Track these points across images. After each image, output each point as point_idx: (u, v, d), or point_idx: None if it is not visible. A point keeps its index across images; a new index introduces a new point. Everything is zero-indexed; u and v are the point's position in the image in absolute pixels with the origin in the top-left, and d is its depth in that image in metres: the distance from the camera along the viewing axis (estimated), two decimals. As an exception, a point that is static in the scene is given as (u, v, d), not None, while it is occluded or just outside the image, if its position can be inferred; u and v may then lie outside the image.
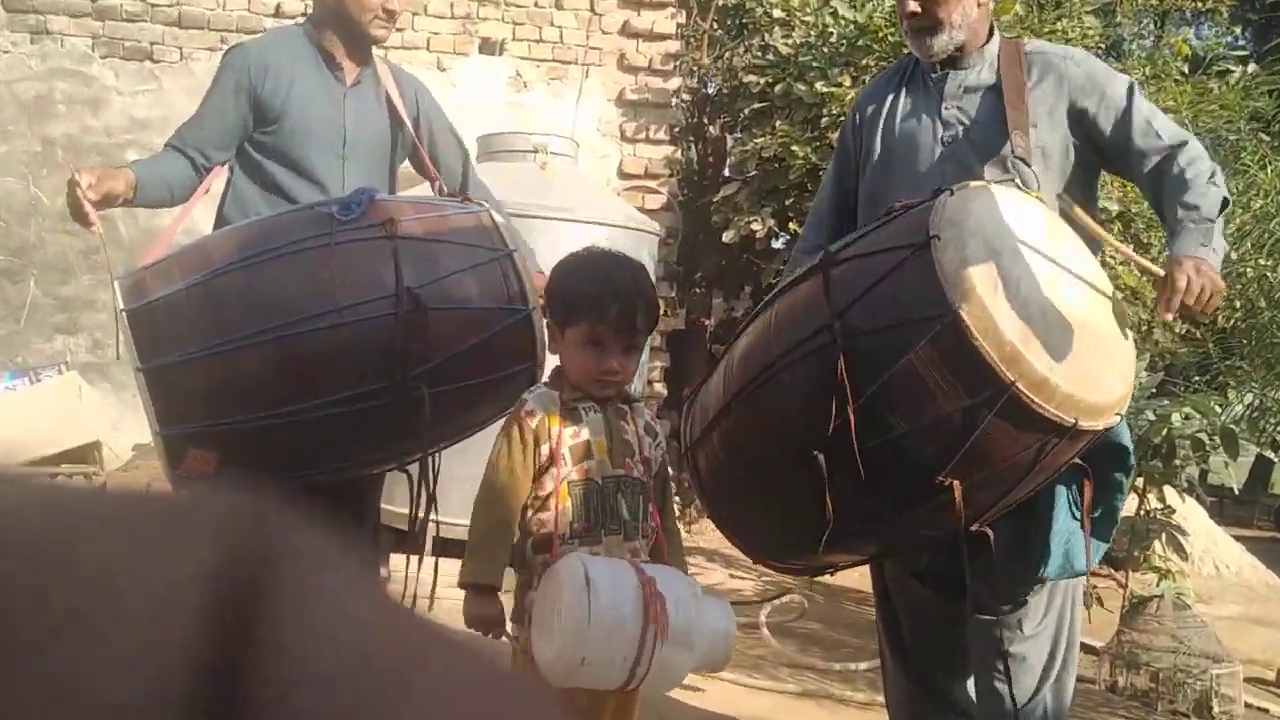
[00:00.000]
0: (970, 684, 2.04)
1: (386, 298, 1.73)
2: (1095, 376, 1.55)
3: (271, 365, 1.69)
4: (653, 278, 4.42)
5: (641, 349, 1.65)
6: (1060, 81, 1.87)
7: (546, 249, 2.95)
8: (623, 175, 5.34)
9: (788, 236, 5.63)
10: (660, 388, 6.74)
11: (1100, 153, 1.89)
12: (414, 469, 1.98)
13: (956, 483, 1.53)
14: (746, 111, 5.36)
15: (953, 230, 1.53)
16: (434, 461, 1.88)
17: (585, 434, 1.61)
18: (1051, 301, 1.56)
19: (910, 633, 2.07)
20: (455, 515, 3.86)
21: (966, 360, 1.48)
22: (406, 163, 2.35)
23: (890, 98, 2.02)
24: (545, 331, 1.84)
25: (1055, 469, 1.61)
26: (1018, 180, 1.76)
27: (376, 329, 1.73)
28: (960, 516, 1.54)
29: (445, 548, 3.63)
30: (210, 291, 1.71)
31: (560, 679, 1.46)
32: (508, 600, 1.60)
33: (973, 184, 1.66)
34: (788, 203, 4.81)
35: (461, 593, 1.58)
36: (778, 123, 4.86)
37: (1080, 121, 1.87)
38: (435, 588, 1.88)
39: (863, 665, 3.39)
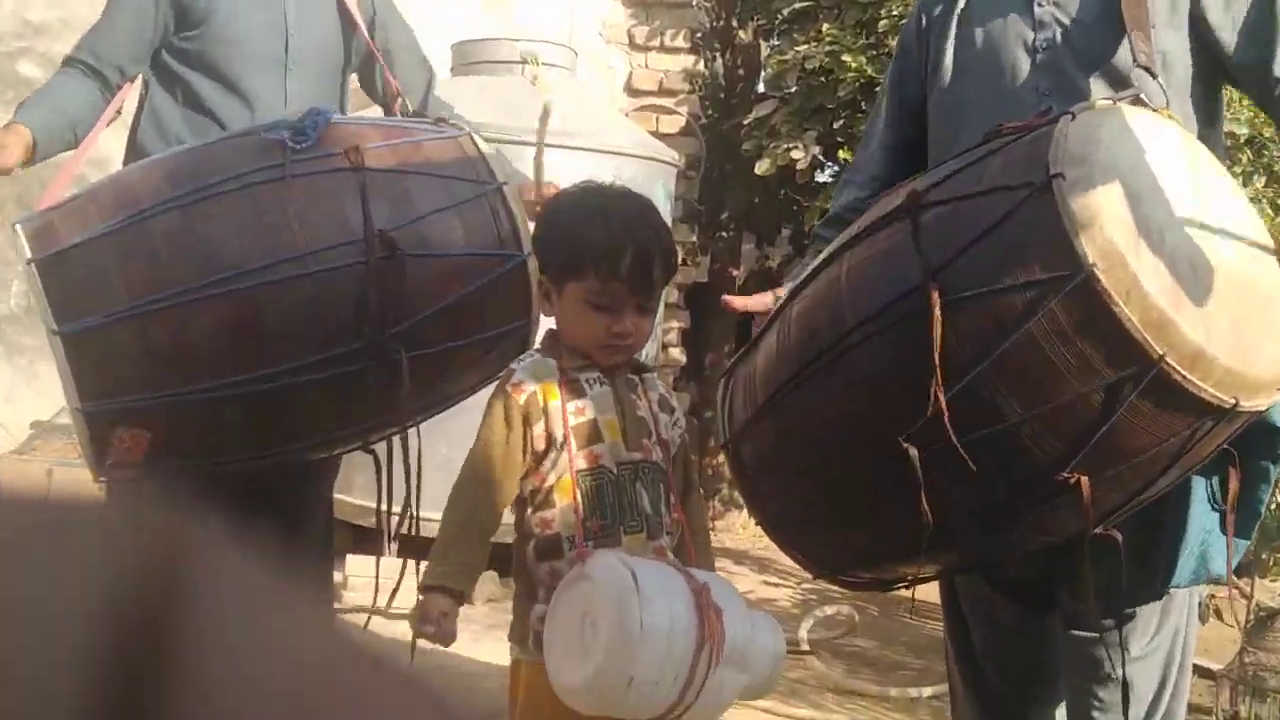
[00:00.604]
0: (1059, 716, 2.06)
1: (353, 243, 1.76)
2: (1256, 345, 1.50)
3: (216, 326, 1.72)
4: (669, 219, 4.46)
5: (657, 307, 1.68)
6: None
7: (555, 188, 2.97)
8: (632, 92, 5.35)
9: (835, 167, 5.64)
10: (677, 353, 6.79)
11: (1223, 68, 1.84)
12: (381, 450, 2.02)
13: (1085, 479, 1.50)
14: (785, 12, 5.34)
15: (1080, 166, 1.46)
16: (410, 441, 1.91)
17: (591, 411, 1.63)
18: (1204, 254, 1.50)
19: (986, 653, 2.09)
20: (431, 509, 3.94)
21: (1102, 330, 1.43)
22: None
23: None
24: (537, 282, 1.87)
25: (1201, 459, 1.58)
26: (1143, 96, 1.66)
27: (343, 281, 1.76)
28: (1088, 519, 1.52)
29: (421, 548, 3.70)
30: (140, 237, 1.73)
31: (598, 705, 1.48)
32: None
33: (1098, 103, 1.60)
34: (836, 125, 4.82)
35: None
36: (824, 25, 4.84)
37: (1201, 25, 1.81)
38: (394, 594, 1.91)
39: (927, 691, 3.46)
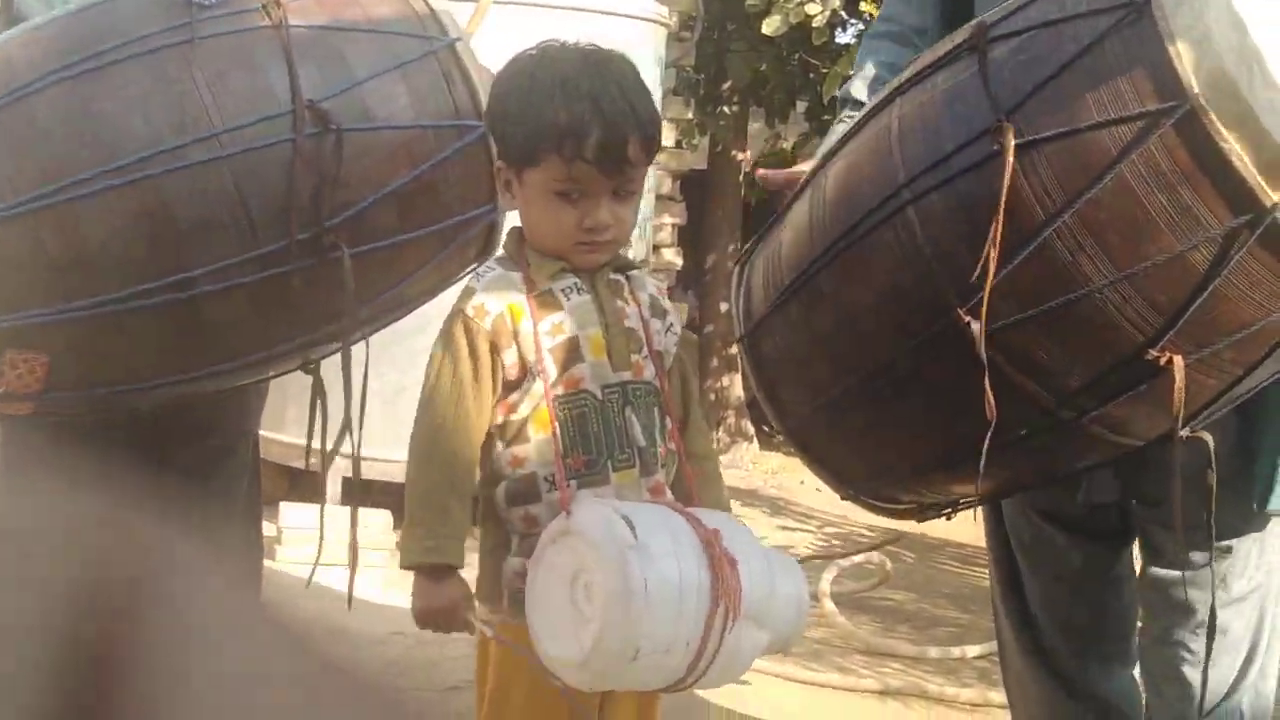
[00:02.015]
0: (1133, 674, 2.10)
1: (280, 116, 1.76)
2: None
3: (118, 224, 1.72)
4: (658, 91, 4.43)
5: (639, 191, 1.68)
6: None
7: (489, 49, 2.95)
8: (609, -67, 5.28)
9: (859, 25, 5.61)
10: (672, 255, 6.79)
11: None
12: (326, 376, 2.04)
13: (1179, 359, 1.51)
14: None
15: None
16: (354, 365, 1.92)
17: (570, 326, 1.64)
18: None
19: (1043, 605, 2.12)
20: (377, 446, 3.99)
21: (1209, 171, 1.44)
22: None
23: None
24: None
25: None
26: None
27: (268, 164, 1.76)
28: (1179, 411, 1.52)
29: (365, 493, 3.76)
30: (21, 119, 1.72)
31: (599, 680, 1.51)
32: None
33: None
34: (862, -29, 4.79)
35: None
36: None
37: None
38: (356, 554, 1.93)
39: (972, 651, 3.55)
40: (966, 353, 1.53)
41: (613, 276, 1.72)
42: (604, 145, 1.60)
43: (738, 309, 1.87)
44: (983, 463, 1.58)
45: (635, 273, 1.76)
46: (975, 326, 1.52)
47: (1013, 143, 1.47)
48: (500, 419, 1.65)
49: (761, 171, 2.03)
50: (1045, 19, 1.55)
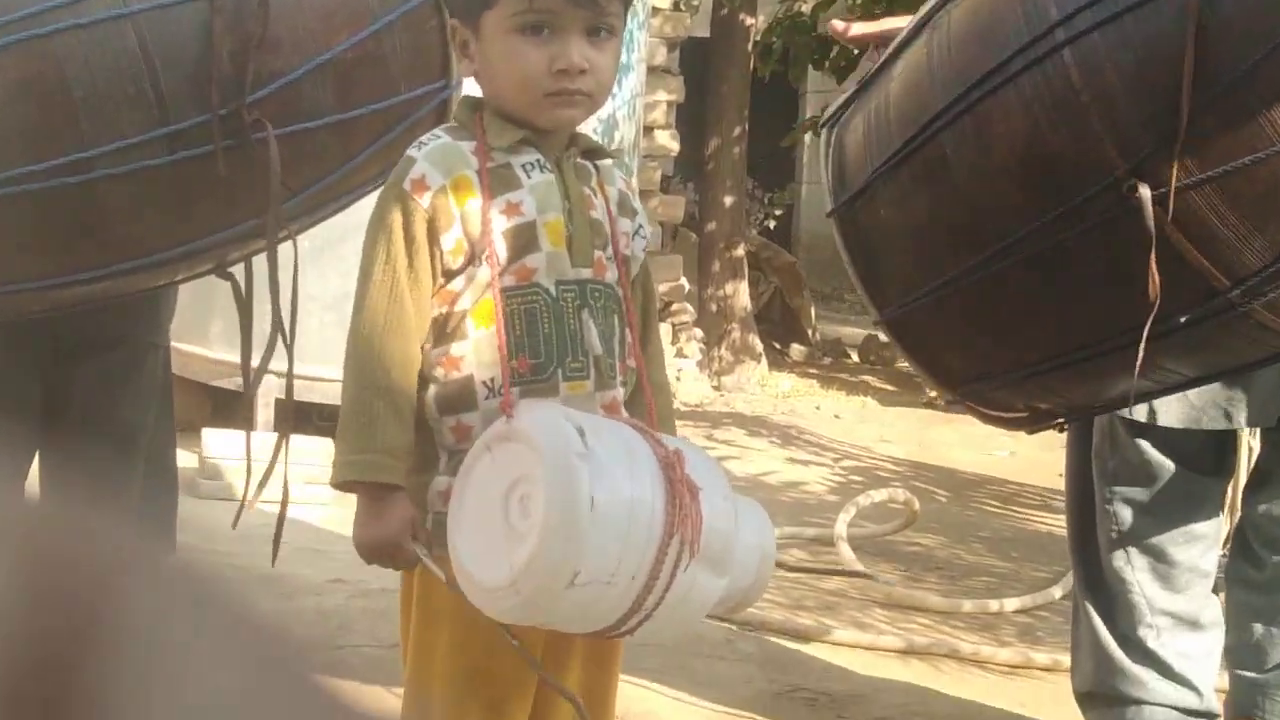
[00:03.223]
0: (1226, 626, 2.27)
1: (191, -34, 1.76)
2: None
3: (7, 92, 1.72)
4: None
5: (618, 34, 1.69)
6: None
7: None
8: None
9: None
10: (667, 139, 6.78)
11: None
12: (242, 274, 2.04)
13: None
14: None
15: None
16: (284, 266, 1.92)
17: (528, 208, 1.65)
18: None
19: (1130, 537, 2.25)
20: (318, 362, 4.01)
21: None
22: None
23: None
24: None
25: None
26: None
27: (180, 24, 1.76)
28: None
29: (300, 419, 3.78)
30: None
31: (526, 610, 1.52)
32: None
33: None
34: None
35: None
36: None
37: None
38: (286, 500, 1.94)
39: (1012, 604, 3.60)
40: (1122, 223, 1.54)
41: (580, 161, 1.73)
42: None
43: (827, 178, 1.87)
44: (1141, 354, 1.58)
45: (605, 162, 1.78)
46: (1145, 191, 1.52)
47: None
48: (436, 311, 1.66)
49: (838, 24, 2.00)
50: None
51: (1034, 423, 1.92)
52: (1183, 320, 1.61)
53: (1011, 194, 1.64)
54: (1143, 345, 1.57)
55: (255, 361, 2.03)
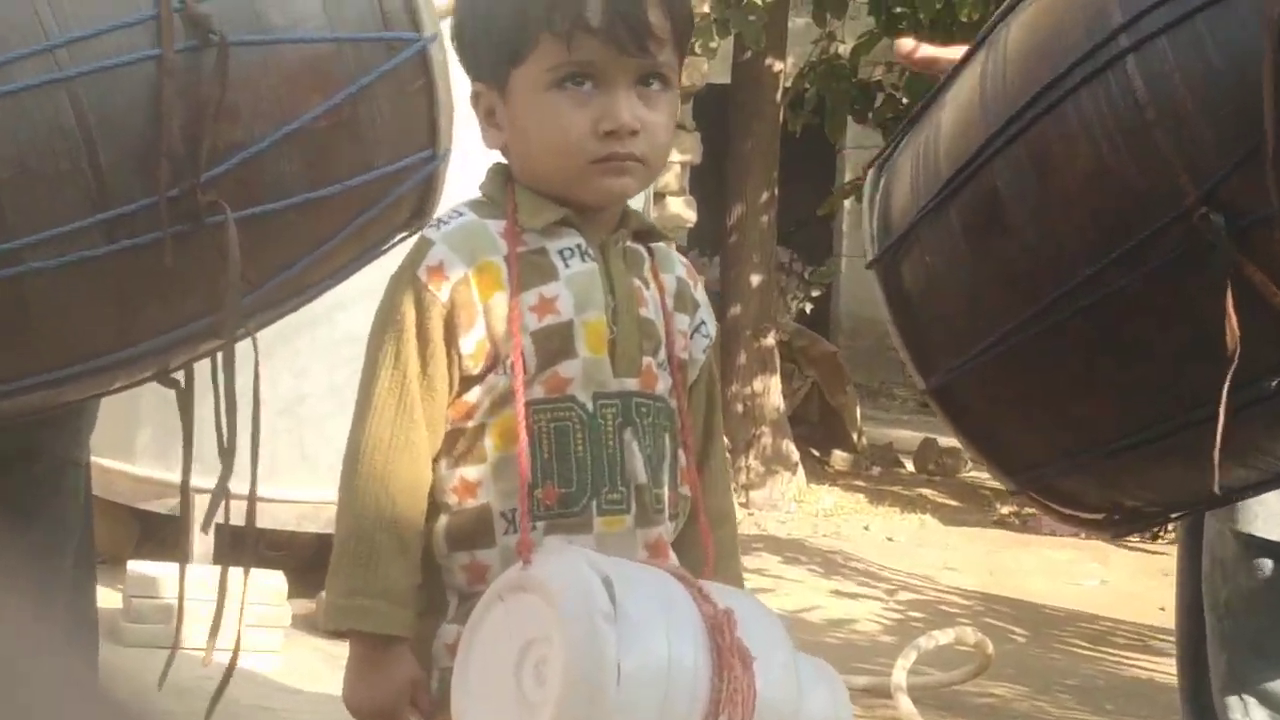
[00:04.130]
0: None
1: (140, 23, 1.78)
2: None
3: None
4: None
5: (673, 89, 1.70)
6: None
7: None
8: None
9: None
10: (681, 206, 6.83)
11: None
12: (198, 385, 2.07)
13: None
14: None
15: None
16: (237, 366, 1.95)
17: (565, 304, 1.66)
18: None
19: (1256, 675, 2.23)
20: (273, 482, 4.02)
21: None
22: None
23: None
24: (450, 85, 1.89)
25: None
26: None
27: (125, 90, 1.78)
28: None
29: (247, 548, 3.77)
30: None
31: None
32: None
33: None
34: None
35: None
36: None
37: None
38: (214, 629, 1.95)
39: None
40: (1202, 263, 1.55)
41: (631, 245, 1.74)
42: (612, 6, 1.62)
43: (871, 225, 1.89)
44: (1222, 421, 1.56)
45: (661, 246, 1.79)
46: (1219, 222, 1.52)
47: None
48: (450, 425, 1.67)
49: (906, 43, 2.02)
50: None
51: (1118, 525, 1.90)
52: (1275, 385, 1.61)
53: (1070, 231, 1.66)
54: (1222, 411, 1.56)
55: (200, 480, 2.05)
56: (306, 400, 4.10)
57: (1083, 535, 5.56)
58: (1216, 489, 1.62)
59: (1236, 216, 1.53)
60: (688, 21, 1.71)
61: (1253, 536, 2.13)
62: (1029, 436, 1.84)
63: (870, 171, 1.93)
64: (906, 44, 2.02)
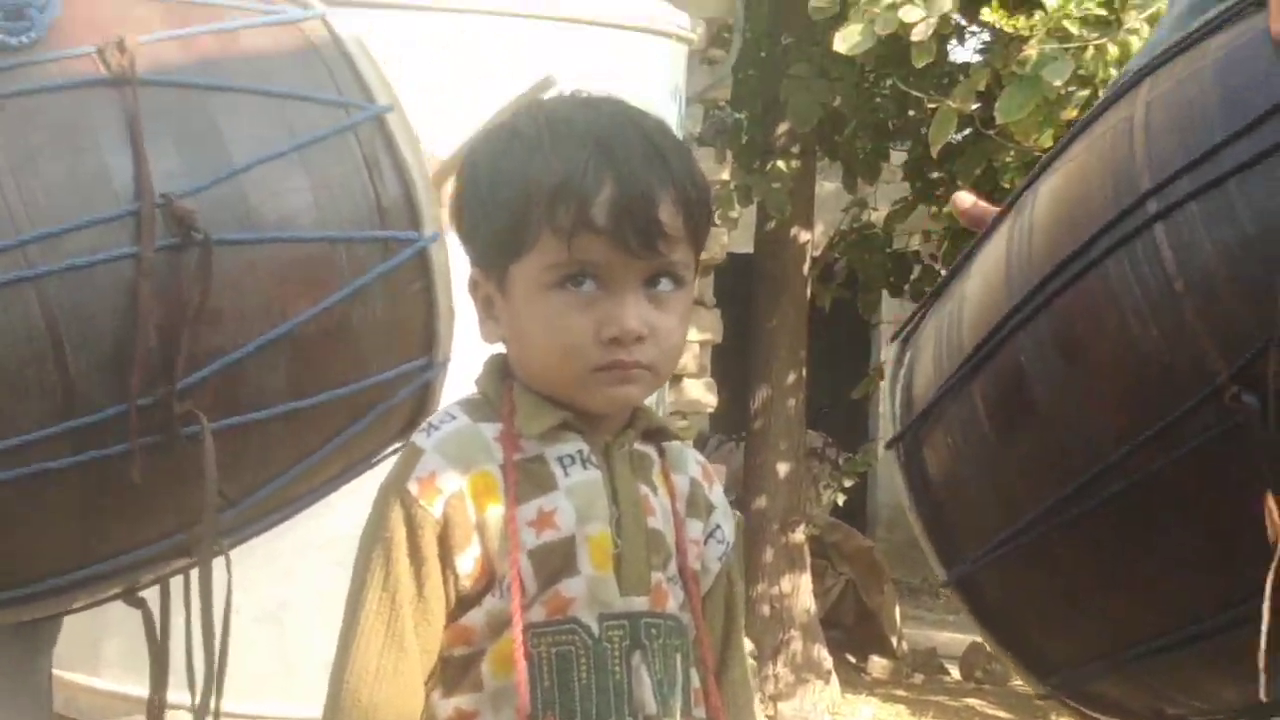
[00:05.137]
0: None
1: (119, 219, 1.83)
2: None
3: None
4: (679, 132, 4.49)
5: (687, 288, 1.71)
6: None
7: (443, 91, 3.00)
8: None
9: (986, 36, 5.75)
10: (701, 390, 6.84)
11: None
12: (162, 597, 2.08)
13: None
14: None
15: None
16: (210, 581, 1.97)
17: (566, 518, 1.67)
18: None
19: None
20: (243, 699, 4.00)
21: None
22: None
23: None
24: (450, 289, 1.92)
25: None
26: None
27: (99, 290, 1.82)
28: None
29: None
30: None
31: None
32: None
33: None
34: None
35: None
36: None
37: None
38: None
39: None
40: (1236, 446, 1.57)
41: (639, 447, 1.76)
42: (621, 204, 1.62)
43: (893, 402, 1.93)
44: (1266, 619, 1.57)
45: (674, 445, 1.80)
46: (1252, 402, 1.55)
47: None
48: (443, 652, 1.68)
49: (965, 197, 2.09)
50: None
51: None
52: None
53: (1096, 412, 1.69)
54: (1266, 609, 1.57)
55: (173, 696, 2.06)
56: (289, 607, 4.09)
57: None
58: (1264, 696, 1.62)
59: (1273, 395, 1.55)
60: (705, 214, 1.71)
61: None
62: (1058, 635, 1.87)
63: (894, 345, 1.97)
64: (965, 199, 2.06)
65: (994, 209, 2.01)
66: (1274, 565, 1.56)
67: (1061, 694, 1.88)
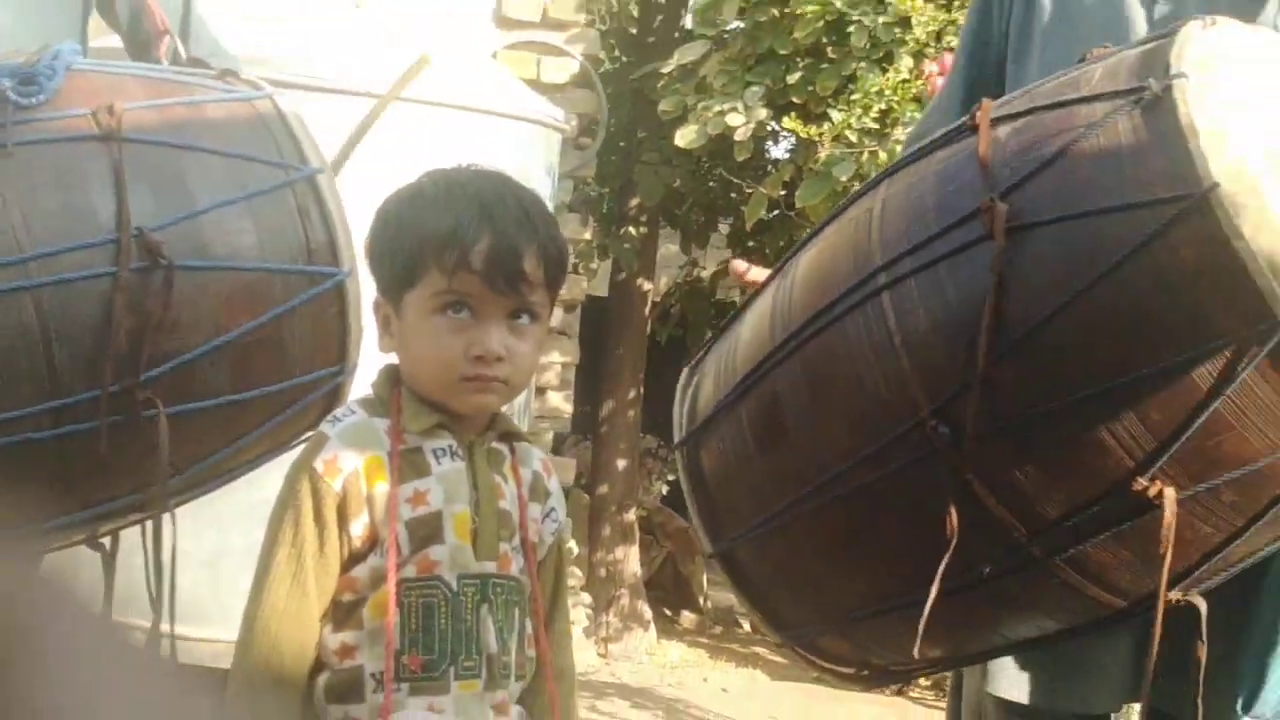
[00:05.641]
0: None
1: (100, 245, 1.83)
2: None
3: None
4: (552, 202, 4.53)
5: (541, 323, 1.74)
6: None
7: (364, 163, 3.02)
8: (503, 22, 5.46)
9: (791, 140, 5.83)
10: (560, 400, 6.87)
11: None
12: (128, 543, 2.07)
13: (1170, 491, 1.58)
14: (726, -84, 5.52)
15: (1207, 71, 1.57)
16: (166, 532, 1.96)
17: (436, 497, 1.69)
18: None
19: None
20: (194, 623, 3.97)
21: (1220, 272, 1.52)
22: None
23: None
24: (360, 314, 1.94)
25: None
26: None
27: (81, 299, 1.82)
28: (1166, 551, 1.58)
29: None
30: None
31: None
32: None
33: (1234, 21, 1.73)
34: (791, 80, 5.00)
35: None
36: (782, -62, 5.03)
37: None
38: None
39: None
40: (932, 467, 1.62)
41: (495, 445, 1.77)
42: (494, 253, 1.66)
43: (681, 414, 1.96)
44: (931, 598, 1.63)
45: (523, 444, 1.82)
46: (945, 432, 1.61)
47: (1004, 225, 1.58)
48: (336, 597, 1.68)
49: (739, 264, 2.13)
50: (1055, 100, 1.68)
51: (868, 679, 1.96)
52: (985, 571, 1.68)
53: (830, 433, 1.74)
54: (934, 589, 1.62)
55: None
56: (225, 554, 4.05)
57: (887, 693, 5.62)
58: (916, 654, 1.70)
59: (962, 429, 1.61)
60: (561, 268, 1.75)
61: (998, 698, 2.12)
62: (793, 600, 1.91)
63: (685, 371, 2.00)
64: (739, 265, 2.11)
65: (763, 271, 2.06)
66: (946, 555, 1.62)
67: (793, 644, 1.92)
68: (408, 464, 1.69)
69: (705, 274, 7.22)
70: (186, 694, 0.40)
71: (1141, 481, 1.58)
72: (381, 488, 1.67)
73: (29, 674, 0.36)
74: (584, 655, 6.54)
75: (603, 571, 6.99)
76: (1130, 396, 1.58)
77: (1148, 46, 1.69)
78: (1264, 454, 1.59)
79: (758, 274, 2.07)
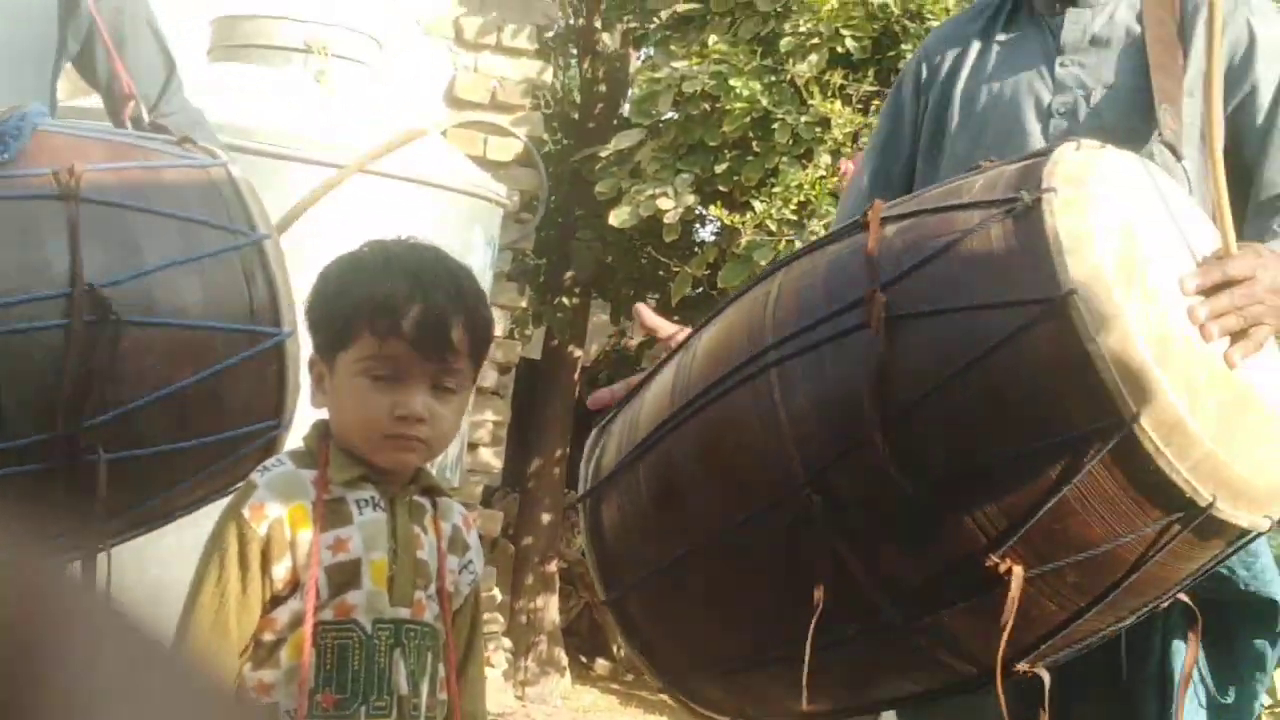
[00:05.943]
0: None
1: (53, 298, 1.81)
2: (1247, 443, 1.64)
3: None
4: (488, 272, 4.55)
5: (464, 390, 1.76)
6: (1236, 37, 2.03)
7: (319, 224, 3.03)
8: (454, 102, 5.48)
9: (716, 225, 5.88)
10: (490, 456, 6.85)
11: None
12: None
13: (1018, 569, 1.61)
14: (664, 15, 5.59)
15: (1075, 188, 1.64)
16: (100, 571, 1.93)
17: (356, 545, 1.68)
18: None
19: None
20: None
21: (1071, 369, 1.57)
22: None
23: (977, 46, 2.20)
24: (299, 371, 1.93)
25: (1164, 589, 1.72)
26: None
27: (32, 349, 1.81)
28: (1007, 623, 1.60)
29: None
30: None
31: None
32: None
33: (1109, 146, 1.80)
34: (718, 170, 5.04)
35: None
36: (712, 38, 5.09)
37: (1234, 101, 2.02)
38: None
39: None
40: (806, 533, 1.64)
41: (418, 499, 1.77)
42: (423, 323, 1.67)
43: (588, 470, 1.96)
44: (807, 659, 1.63)
45: (444, 499, 1.82)
46: (819, 501, 1.62)
47: (883, 315, 1.62)
48: (256, 637, 1.67)
49: (643, 308, 2.13)
50: (939, 204, 1.75)
51: None
52: (852, 632, 1.70)
53: (718, 494, 1.75)
54: (809, 647, 1.63)
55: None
56: (167, 588, 3.98)
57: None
58: (805, 705, 1.70)
59: (835, 497, 1.64)
60: (485, 339, 1.78)
61: None
62: (675, 648, 1.92)
63: (595, 431, 2.01)
64: (643, 310, 2.11)
65: (661, 322, 2.08)
66: (816, 614, 1.63)
67: (674, 691, 1.92)
68: (331, 513, 1.69)
69: (632, 344, 7.23)
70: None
71: (993, 558, 1.62)
72: (305, 534, 1.67)
73: (57, 672, 0.33)
74: (502, 697, 6.47)
75: (524, 618, 6.94)
76: (988, 479, 1.63)
77: (1026, 163, 1.74)
78: (1105, 540, 1.63)
79: (656, 322, 2.08)
